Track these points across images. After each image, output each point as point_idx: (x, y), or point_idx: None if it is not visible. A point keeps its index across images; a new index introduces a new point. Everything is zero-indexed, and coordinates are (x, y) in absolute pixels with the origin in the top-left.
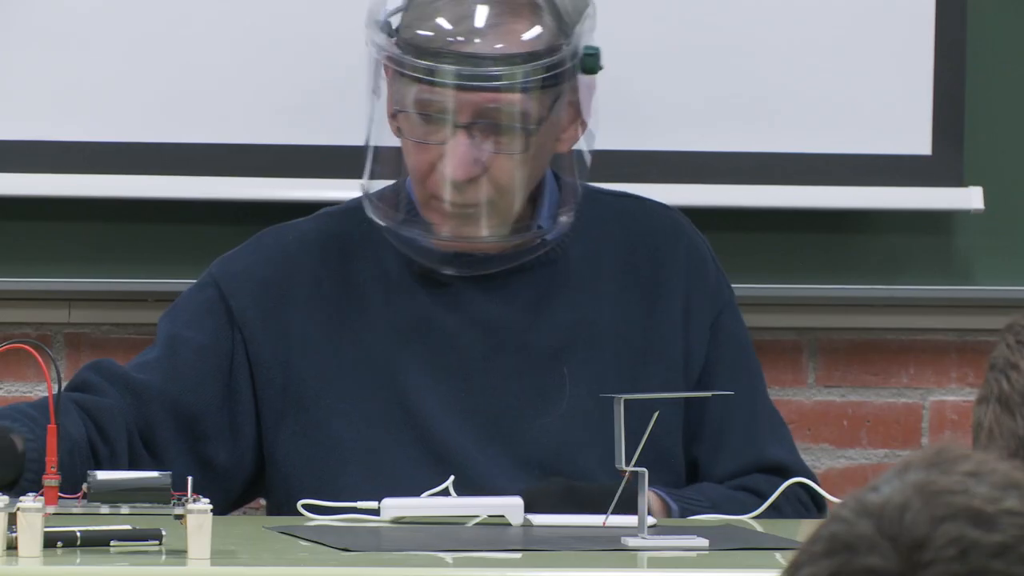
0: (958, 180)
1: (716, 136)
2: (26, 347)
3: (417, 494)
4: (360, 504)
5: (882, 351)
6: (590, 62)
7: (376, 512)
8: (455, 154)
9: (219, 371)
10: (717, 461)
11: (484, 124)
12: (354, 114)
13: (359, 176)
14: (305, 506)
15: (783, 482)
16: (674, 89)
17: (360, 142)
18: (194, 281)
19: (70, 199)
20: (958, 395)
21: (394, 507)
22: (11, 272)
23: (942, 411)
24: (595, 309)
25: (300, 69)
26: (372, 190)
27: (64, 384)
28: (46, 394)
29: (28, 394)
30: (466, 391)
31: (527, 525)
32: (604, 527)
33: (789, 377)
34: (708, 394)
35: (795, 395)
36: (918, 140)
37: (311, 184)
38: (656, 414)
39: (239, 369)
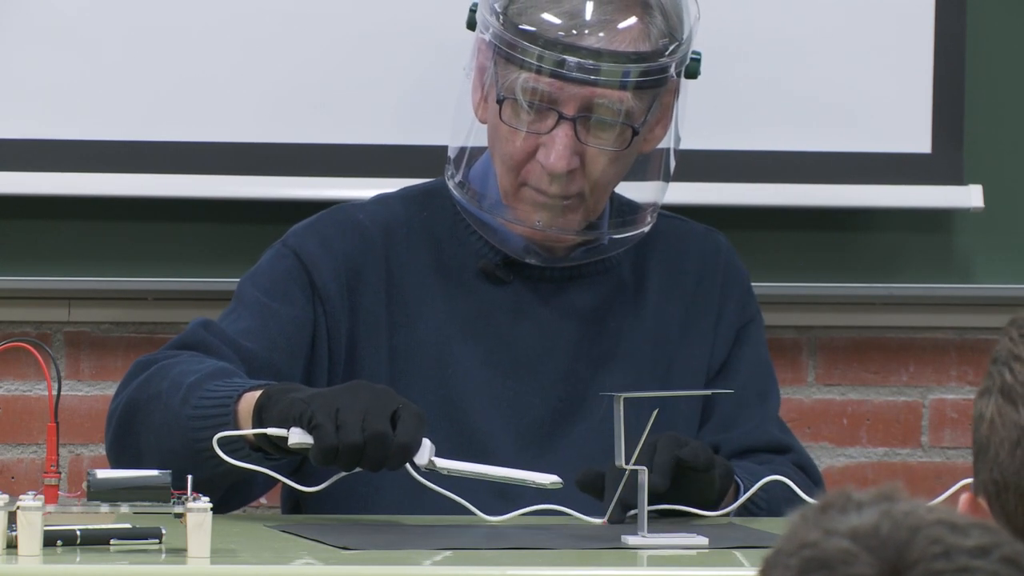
0: (958, 178)
1: (715, 135)
2: (26, 346)
3: (449, 486)
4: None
5: (882, 349)
6: (693, 67)
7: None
8: (560, 145)
9: (305, 343)
10: (725, 441)
11: (591, 118)
12: (357, 113)
13: (362, 174)
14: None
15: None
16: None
17: (368, 141)
18: (186, 280)
19: (70, 198)
20: (958, 393)
21: (442, 463)
22: (11, 271)
23: (942, 409)
24: (638, 324)
25: (302, 68)
26: (456, 177)
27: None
28: (46, 393)
29: (28, 393)
30: (515, 391)
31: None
32: (604, 525)
33: (789, 375)
34: (709, 392)
35: (795, 393)
36: (918, 138)
37: (313, 183)
38: (656, 412)
39: (320, 342)
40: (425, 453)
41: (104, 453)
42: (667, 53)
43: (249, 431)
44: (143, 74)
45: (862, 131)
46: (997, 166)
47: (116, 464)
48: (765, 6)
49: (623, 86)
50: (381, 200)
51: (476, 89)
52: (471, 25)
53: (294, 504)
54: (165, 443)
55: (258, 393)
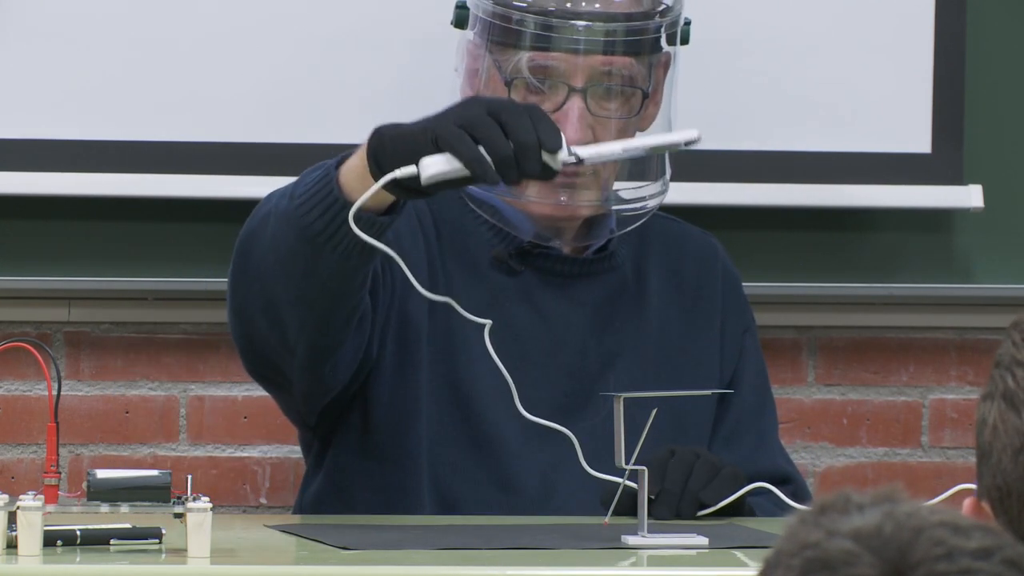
0: (958, 178)
1: (715, 135)
2: (26, 346)
3: (453, 473)
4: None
5: (882, 349)
6: (685, 31)
7: (417, 177)
8: (574, 117)
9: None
10: (726, 458)
11: (600, 87)
12: (356, 113)
13: None
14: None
15: (793, 493)
16: (672, 87)
17: (359, 141)
18: (186, 280)
19: (70, 198)
20: (958, 393)
21: (586, 151)
22: (11, 271)
23: (942, 409)
24: (643, 322)
25: (302, 68)
26: None
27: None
28: (46, 393)
29: (28, 393)
30: (520, 381)
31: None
32: (606, 526)
33: (788, 375)
34: (708, 392)
35: (794, 393)
36: (918, 138)
37: None
38: (655, 411)
39: (384, 269)
40: (564, 148)
41: (103, 452)
42: (663, 13)
43: (373, 187)
44: (143, 74)
45: (862, 131)
46: (997, 166)
47: (241, 311)
48: (765, 6)
49: (628, 50)
50: None
51: (467, 91)
52: (459, 24)
53: (313, 498)
54: (283, 247)
55: (364, 144)
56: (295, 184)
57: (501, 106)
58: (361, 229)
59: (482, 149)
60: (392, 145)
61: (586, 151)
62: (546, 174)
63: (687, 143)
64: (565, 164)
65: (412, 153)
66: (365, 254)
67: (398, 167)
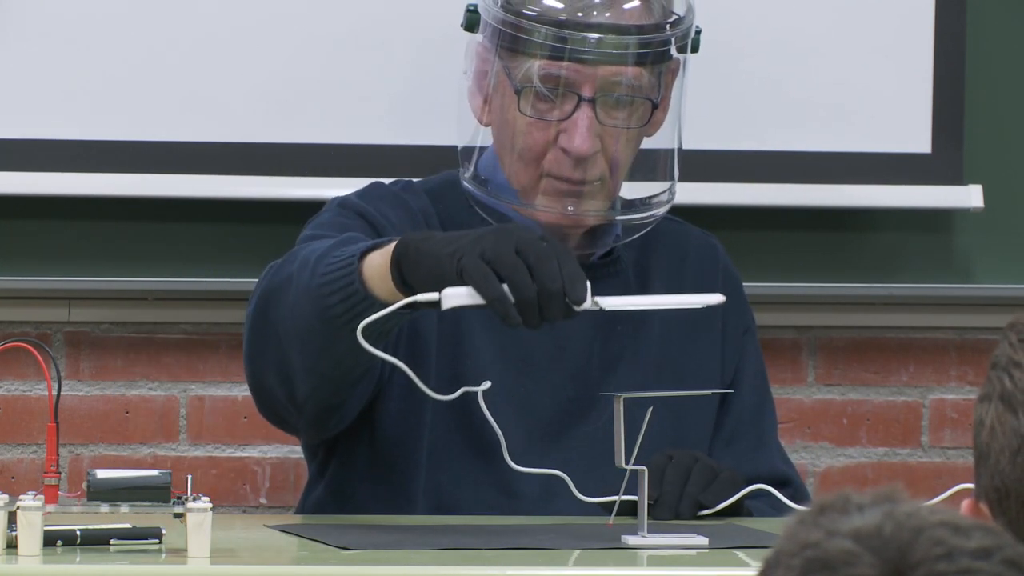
0: (958, 178)
1: (715, 135)
2: (26, 346)
3: (455, 479)
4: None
5: (882, 349)
6: (696, 40)
7: (438, 302)
8: (583, 127)
9: None
10: (725, 459)
11: (609, 98)
12: (357, 113)
13: (361, 175)
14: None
15: (792, 495)
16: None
17: (368, 141)
18: (186, 280)
19: (70, 198)
20: (958, 393)
21: (610, 302)
22: (11, 271)
23: (942, 409)
24: (645, 325)
25: (303, 68)
26: (468, 172)
27: (59, 380)
28: (46, 393)
29: (28, 393)
30: (526, 388)
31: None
32: (610, 527)
33: (789, 375)
34: (708, 392)
35: (794, 393)
36: (918, 138)
37: (313, 183)
38: (650, 410)
39: None
40: (588, 296)
41: (103, 452)
42: (675, 24)
43: (393, 306)
44: (143, 74)
45: (862, 131)
46: (997, 166)
47: (255, 361)
48: (765, 6)
49: (639, 61)
50: (408, 187)
51: (476, 94)
52: (469, 27)
53: (315, 505)
54: (301, 321)
55: (391, 245)
56: (319, 257)
57: (529, 245)
58: (377, 319)
59: (506, 287)
60: (416, 259)
61: (609, 302)
62: (567, 317)
63: (714, 303)
64: (586, 311)
65: (436, 277)
66: (382, 336)
67: (420, 284)
